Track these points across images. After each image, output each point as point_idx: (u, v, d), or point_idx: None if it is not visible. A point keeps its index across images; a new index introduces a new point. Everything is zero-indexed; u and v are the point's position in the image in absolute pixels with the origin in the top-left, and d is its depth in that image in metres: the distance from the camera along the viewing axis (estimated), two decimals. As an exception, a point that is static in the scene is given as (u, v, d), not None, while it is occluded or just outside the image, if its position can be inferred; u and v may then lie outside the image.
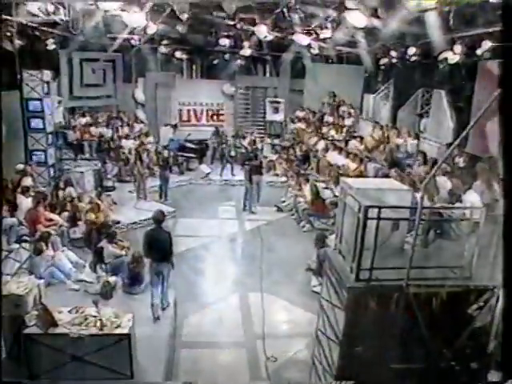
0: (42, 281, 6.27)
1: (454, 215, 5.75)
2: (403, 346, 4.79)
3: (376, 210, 4.74)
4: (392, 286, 4.81)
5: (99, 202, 10.26)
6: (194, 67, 21.30)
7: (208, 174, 16.18)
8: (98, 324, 5.64)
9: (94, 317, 5.79)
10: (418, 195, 5.69)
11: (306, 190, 12.55)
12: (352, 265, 4.93)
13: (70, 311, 6.06)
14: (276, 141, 18.76)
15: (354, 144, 14.55)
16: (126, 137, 16.64)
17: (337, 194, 11.35)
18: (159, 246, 7.03)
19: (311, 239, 9.51)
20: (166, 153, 14.33)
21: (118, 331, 5.67)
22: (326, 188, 12.56)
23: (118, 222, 11.00)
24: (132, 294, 7.80)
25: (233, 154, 16.84)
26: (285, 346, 7.16)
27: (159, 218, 7.19)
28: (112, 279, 7.82)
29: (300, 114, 19.24)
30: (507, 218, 3.40)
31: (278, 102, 19.72)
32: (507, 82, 3.33)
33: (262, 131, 20.12)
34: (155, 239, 7.04)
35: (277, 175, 16.41)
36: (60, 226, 9.12)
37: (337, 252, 5.55)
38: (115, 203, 12.36)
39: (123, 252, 8.45)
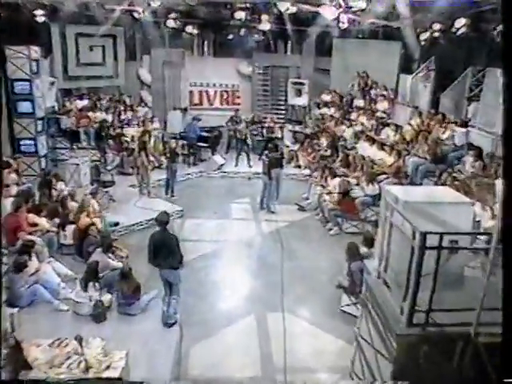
0: (16, 310, 5.55)
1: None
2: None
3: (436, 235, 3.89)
4: (455, 333, 4.02)
5: (93, 202, 9.58)
6: (205, 43, 20.99)
7: (221, 165, 15.94)
8: (83, 365, 4.94)
9: (79, 355, 5.08)
10: (477, 208, 4.85)
11: (333, 186, 12.07)
12: (403, 304, 4.12)
13: (50, 345, 5.38)
14: (298, 128, 18.33)
15: (387, 133, 13.71)
16: (129, 122, 16.44)
17: (369, 192, 11.21)
18: (165, 252, 6.95)
19: (340, 244, 9.23)
20: (173, 142, 13.81)
21: (107, 374, 5.01)
22: (357, 185, 12.08)
23: (117, 224, 10.58)
24: (129, 315, 7.20)
25: (249, 142, 16.43)
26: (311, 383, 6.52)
27: (163, 220, 7.10)
28: (106, 298, 7.21)
29: (326, 97, 18.52)
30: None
31: (302, 84, 18.98)
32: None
33: (283, 117, 19.76)
34: (160, 244, 6.94)
35: (299, 167, 16.08)
36: (47, 231, 8.42)
37: (381, 282, 4.72)
38: (114, 201, 11.98)
39: (120, 264, 7.77)
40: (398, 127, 13.59)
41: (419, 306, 4.06)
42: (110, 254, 7.93)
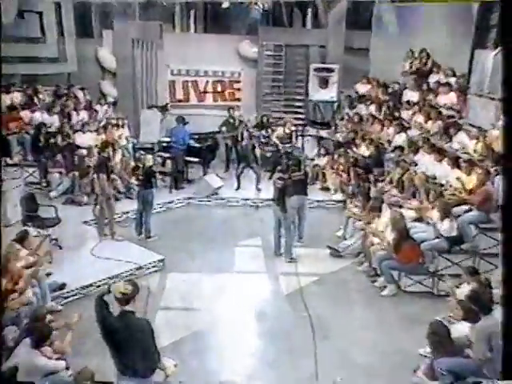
0: None
1: None
2: None
3: None
4: None
5: (22, 253, 9.14)
6: (191, 14, 21.43)
7: (218, 189, 15.74)
8: None
9: None
10: None
11: (383, 222, 11.61)
12: None
13: None
14: (324, 133, 18.38)
15: (461, 140, 12.96)
16: (84, 128, 16.31)
17: (442, 231, 10.65)
18: (128, 351, 5.96)
19: (398, 313, 9.32)
20: (149, 157, 13.25)
21: None
22: (420, 221, 11.50)
23: (62, 287, 9.98)
24: None
25: (257, 154, 16.19)
26: None
27: (127, 295, 5.97)
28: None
29: (363, 88, 18.46)
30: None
31: (329, 70, 18.80)
32: None
33: (301, 117, 19.84)
34: (120, 338, 5.94)
35: (326, 189, 16.05)
36: None
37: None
38: (59, 247, 11.54)
39: (62, 363, 6.87)
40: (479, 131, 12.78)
41: None
42: (47, 347, 6.97)
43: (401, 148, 14.44)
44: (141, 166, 13.15)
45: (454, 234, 10.43)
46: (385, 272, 10.80)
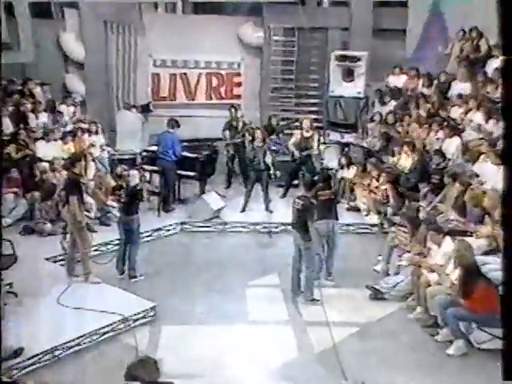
0: None
1: None
2: None
3: None
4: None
5: None
6: None
7: (219, 211, 15.51)
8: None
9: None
10: None
11: (443, 253, 11.01)
12: None
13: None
14: (350, 138, 18.30)
15: None
16: (46, 135, 16.19)
17: None
18: None
19: (473, 381, 8.92)
20: (134, 175, 12.76)
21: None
22: (493, 253, 11.10)
23: (18, 353, 9.11)
24: None
25: (269, 162, 16.01)
26: None
27: None
28: None
29: (398, 80, 18.38)
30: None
31: (354, 59, 18.42)
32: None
33: (318, 118, 19.93)
34: None
35: (356, 210, 15.97)
36: None
37: None
38: (14, 295, 10.79)
39: None
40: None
41: None
42: None
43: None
44: (124, 184, 12.74)
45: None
46: (450, 323, 10.03)
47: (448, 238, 11.08)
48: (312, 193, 11.73)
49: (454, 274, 10.37)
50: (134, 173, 12.96)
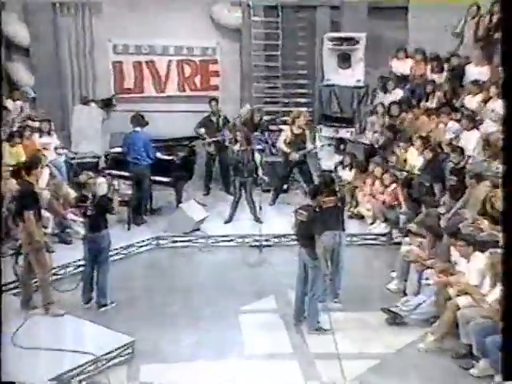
0: None
1: None
2: None
3: None
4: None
5: None
6: None
7: (201, 221, 15.46)
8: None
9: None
10: None
11: (476, 270, 10.79)
12: None
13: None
14: (346, 132, 18.10)
15: None
16: None
17: None
18: None
19: None
20: (101, 184, 12.40)
21: None
22: None
23: None
24: None
25: (257, 162, 16.00)
26: None
27: None
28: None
29: (402, 65, 18.21)
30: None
31: (351, 41, 18.15)
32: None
33: (309, 111, 19.56)
34: None
35: (360, 218, 15.98)
36: None
37: None
38: None
39: None
40: None
41: None
42: None
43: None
44: (89, 194, 12.19)
45: None
46: (490, 353, 9.62)
47: (478, 254, 10.79)
48: (317, 201, 11.50)
49: (492, 293, 9.98)
50: (102, 180, 12.64)
